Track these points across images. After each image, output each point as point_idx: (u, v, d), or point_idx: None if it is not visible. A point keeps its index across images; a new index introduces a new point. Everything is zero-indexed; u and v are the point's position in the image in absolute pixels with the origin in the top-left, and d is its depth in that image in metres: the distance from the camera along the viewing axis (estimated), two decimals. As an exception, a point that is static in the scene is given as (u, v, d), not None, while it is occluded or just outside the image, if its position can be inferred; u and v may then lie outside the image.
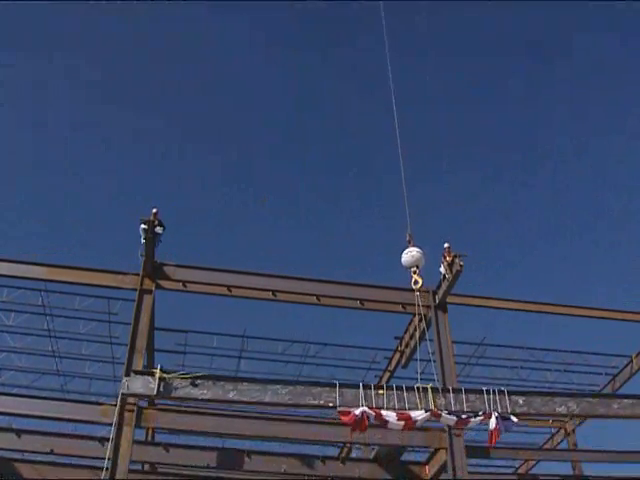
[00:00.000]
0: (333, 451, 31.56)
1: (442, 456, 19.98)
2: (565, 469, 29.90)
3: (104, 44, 68.16)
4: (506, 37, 71.32)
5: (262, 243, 72.34)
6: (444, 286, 21.67)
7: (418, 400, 16.70)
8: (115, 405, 18.47)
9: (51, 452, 20.33)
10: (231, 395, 16.98)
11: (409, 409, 16.41)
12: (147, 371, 17.22)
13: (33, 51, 68.61)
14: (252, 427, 20.24)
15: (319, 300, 22.18)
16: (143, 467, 23.26)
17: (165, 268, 20.85)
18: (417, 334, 23.69)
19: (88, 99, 72.30)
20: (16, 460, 22.78)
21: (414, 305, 22.36)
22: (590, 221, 75.43)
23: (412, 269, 19.37)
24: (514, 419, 16.54)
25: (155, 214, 20.22)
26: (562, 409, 18.10)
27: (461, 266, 21.60)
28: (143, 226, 19.98)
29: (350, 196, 74.61)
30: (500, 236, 75.85)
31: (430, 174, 73.20)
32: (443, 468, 20.13)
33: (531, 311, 24.22)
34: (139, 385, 16.86)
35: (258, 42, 71.60)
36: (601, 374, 30.57)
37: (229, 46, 71.94)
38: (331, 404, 16.74)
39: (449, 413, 16.50)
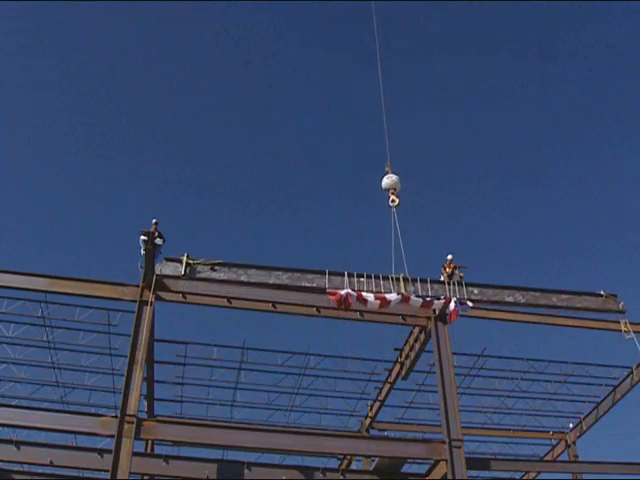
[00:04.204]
0: (334, 463, 31.53)
1: (442, 468, 19.90)
2: (566, 481, 29.81)
3: (119, 46, 68.63)
4: (516, 37, 71.85)
5: (262, 254, 72.38)
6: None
7: (392, 286, 20.61)
8: (115, 417, 18.46)
9: (50, 464, 20.22)
10: (242, 277, 20.58)
11: (384, 293, 20.14)
12: (176, 258, 20.42)
13: (32, 52, 69.08)
14: (252, 439, 20.15)
15: (319, 312, 22.12)
16: (142, 479, 23.17)
17: (165, 280, 20.84)
18: (416, 345, 23.68)
19: (91, 104, 72.59)
20: (15, 472, 22.73)
21: (414, 317, 22.49)
22: (598, 231, 75.46)
23: (390, 190, 22.35)
24: (469, 304, 20.63)
25: (155, 225, 20.26)
26: (510, 299, 21.87)
27: (461, 277, 21.70)
28: (143, 238, 19.99)
29: (358, 204, 74.71)
30: (501, 246, 75.92)
31: (436, 181, 73.56)
32: (443, 480, 20.06)
33: (532, 322, 24.17)
34: (170, 270, 20.26)
35: (293, 42, 72.36)
36: (602, 385, 30.48)
37: (264, 45, 72.43)
38: (322, 286, 20.42)
39: (417, 296, 20.40)
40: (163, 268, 20.01)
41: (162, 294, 20.65)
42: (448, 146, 74.75)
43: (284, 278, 20.56)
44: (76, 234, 72.77)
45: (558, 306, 22.05)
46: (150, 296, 20.26)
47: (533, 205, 74.57)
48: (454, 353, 22.45)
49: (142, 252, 20.08)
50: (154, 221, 20.34)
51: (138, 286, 20.39)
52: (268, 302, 21.80)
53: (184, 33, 71.52)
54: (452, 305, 20.25)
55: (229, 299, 21.49)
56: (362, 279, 20.53)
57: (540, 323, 24.30)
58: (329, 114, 75.71)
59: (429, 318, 22.05)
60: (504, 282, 22.82)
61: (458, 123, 74.12)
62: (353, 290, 19.90)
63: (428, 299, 20.49)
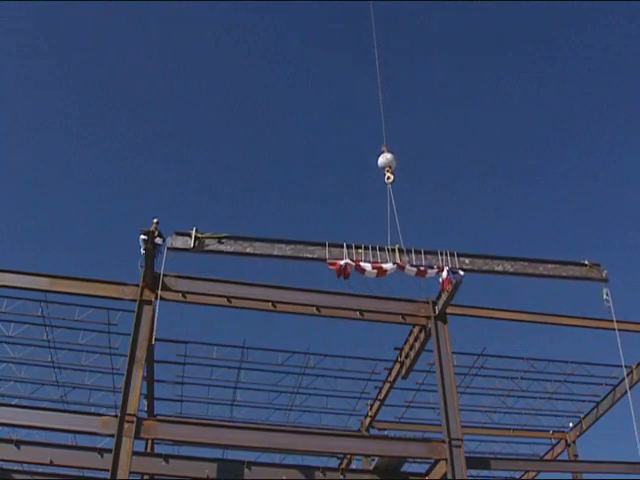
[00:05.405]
0: (334, 462, 31.54)
1: (442, 467, 19.89)
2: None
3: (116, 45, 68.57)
4: (516, 37, 71.88)
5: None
6: (444, 297, 21.64)
7: (388, 257, 21.17)
8: (115, 416, 18.45)
9: (50, 463, 20.18)
10: (248, 250, 20.95)
11: (381, 263, 20.86)
12: (186, 232, 20.67)
13: (32, 52, 69.01)
14: (252, 438, 20.10)
15: (319, 311, 22.12)
16: (142, 478, 23.19)
17: (165, 279, 20.81)
18: (416, 344, 23.72)
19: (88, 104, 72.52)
20: (15, 471, 22.72)
21: (414, 316, 22.49)
22: (598, 232, 75.44)
23: (386, 168, 23.12)
24: (461, 273, 20.98)
25: (156, 224, 20.21)
26: (499, 268, 22.25)
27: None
28: (143, 237, 19.93)
29: (355, 203, 74.61)
30: (501, 245, 75.93)
31: (436, 179, 73.59)
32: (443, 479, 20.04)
33: (532, 322, 24.16)
34: (180, 243, 20.53)
35: (293, 42, 72.46)
36: (602, 384, 30.49)
37: (264, 45, 72.42)
38: (322, 257, 21.03)
39: (411, 266, 21.02)
40: (173, 241, 20.42)
41: (162, 293, 20.58)
42: (448, 146, 74.77)
43: (287, 250, 21.06)
44: (76, 234, 72.77)
45: (545, 275, 22.45)
46: (151, 295, 20.27)
47: (532, 204, 74.58)
48: (454, 353, 22.41)
49: (142, 252, 20.03)
50: (155, 220, 20.30)
51: (138, 285, 20.37)
52: (268, 302, 21.78)
53: (184, 33, 71.58)
54: (444, 274, 20.83)
55: (229, 299, 21.48)
56: (360, 250, 21.20)
57: (540, 323, 24.29)
58: (329, 114, 75.71)
59: (429, 317, 22.07)
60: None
61: (458, 123, 74.14)
62: (352, 260, 20.63)
63: (422, 268, 21.19)
